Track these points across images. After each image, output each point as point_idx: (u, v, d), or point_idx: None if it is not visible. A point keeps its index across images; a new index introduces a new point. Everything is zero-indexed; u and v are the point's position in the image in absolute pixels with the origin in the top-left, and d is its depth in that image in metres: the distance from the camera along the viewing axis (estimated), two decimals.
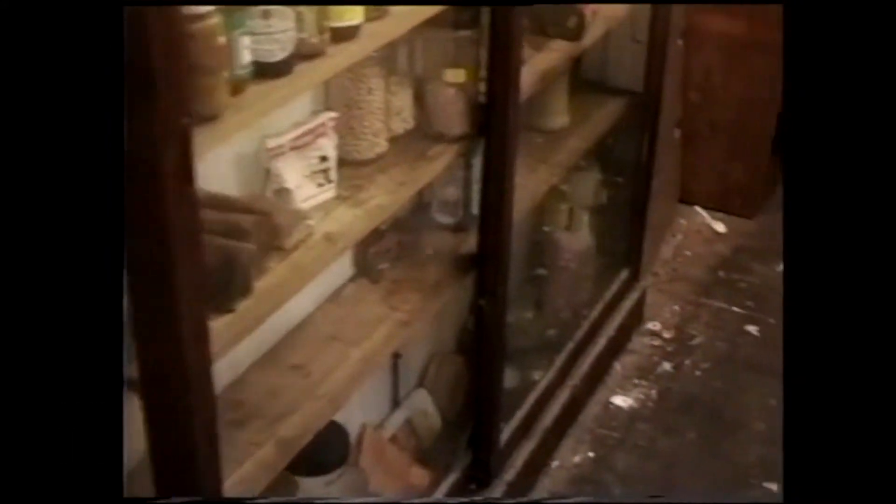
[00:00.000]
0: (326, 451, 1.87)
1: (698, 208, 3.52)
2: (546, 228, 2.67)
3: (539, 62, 2.20)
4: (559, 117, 2.52)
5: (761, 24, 3.22)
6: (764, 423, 2.66)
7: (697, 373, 2.82)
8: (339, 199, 1.71)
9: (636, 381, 2.78)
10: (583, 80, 2.68)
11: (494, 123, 1.94)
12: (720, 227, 3.44)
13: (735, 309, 3.07)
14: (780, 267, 3.25)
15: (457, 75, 1.86)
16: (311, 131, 1.67)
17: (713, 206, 3.51)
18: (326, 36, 1.49)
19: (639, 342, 2.91)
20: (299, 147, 1.65)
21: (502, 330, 2.21)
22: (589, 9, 2.31)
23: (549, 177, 2.44)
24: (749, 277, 3.21)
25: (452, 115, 1.90)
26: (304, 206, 1.65)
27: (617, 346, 2.82)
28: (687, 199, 3.51)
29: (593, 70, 2.72)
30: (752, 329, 2.99)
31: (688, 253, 3.32)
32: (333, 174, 1.70)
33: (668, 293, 3.12)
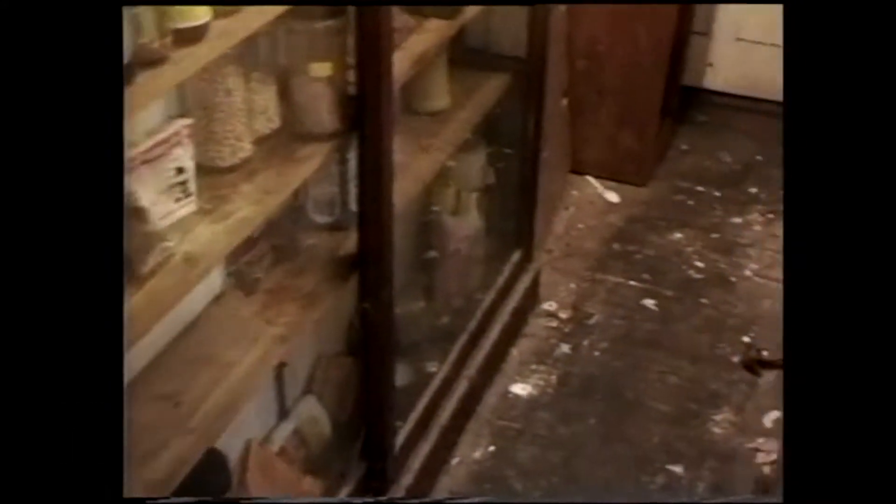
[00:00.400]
0: (204, 481, 1.73)
1: (590, 178, 3.44)
2: (433, 214, 2.54)
3: (414, 45, 2.06)
4: (440, 99, 2.39)
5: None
6: (665, 403, 2.59)
7: (596, 353, 2.74)
8: (201, 213, 1.56)
9: (534, 366, 2.69)
10: (465, 50, 2.55)
11: (368, 116, 1.81)
12: (613, 197, 3.37)
13: (632, 283, 2.99)
14: (677, 235, 3.20)
15: (323, 68, 1.71)
16: (164, 141, 1.51)
17: (605, 175, 3.43)
18: (169, 39, 1.34)
19: (535, 325, 2.82)
20: (152, 160, 1.50)
21: (390, 331, 2.09)
22: None
23: (433, 162, 2.32)
24: (645, 249, 3.14)
25: (322, 110, 1.76)
26: (162, 224, 1.51)
27: (513, 331, 2.73)
28: (578, 168, 3.42)
29: (476, 38, 2.59)
30: (650, 303, 2.92)
31: (581, 226, 3.23)
32: (192, 186, 1.55)
33: (563, 270, 3.03)
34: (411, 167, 2.20)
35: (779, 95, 3.96)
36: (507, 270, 2.71)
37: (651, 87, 3.28)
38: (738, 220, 3.29)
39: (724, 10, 3.83)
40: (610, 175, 3.42)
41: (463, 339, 2.50)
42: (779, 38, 3.93)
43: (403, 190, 2.05)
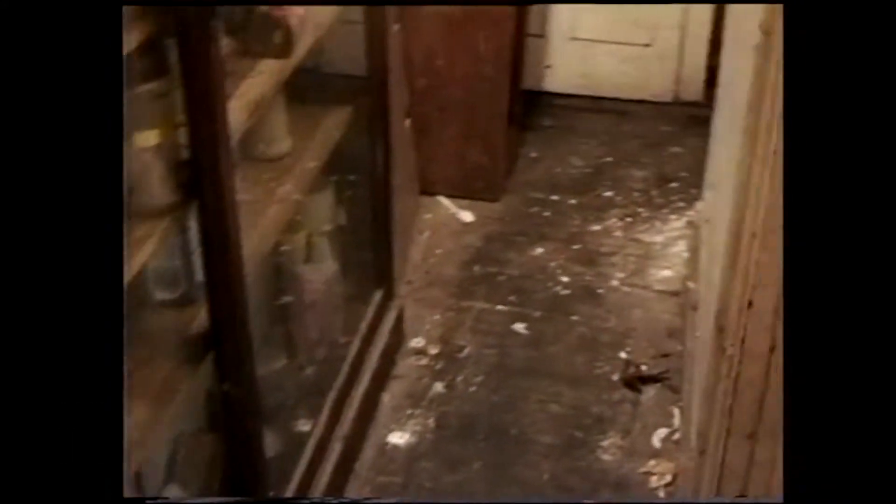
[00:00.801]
0: None
1: (441, 198, 3.30)
2: (286, 264, 2.35)
3: (248, 91, 1.87)
4: (281, 142, 2.20)
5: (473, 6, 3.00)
6: (549, 434, 2.47)
7: (472, 389, 2.60)
8: None
9: (409, 411, 2.53)
10: (302, 72, 2.37)
11: (206, 181, 1.61)
12: (467, 216, 3.23)
13: (499, 307, 2.86)
14: (538, 250, 3.09)
15: (149, 137, 1.51)
16: None
17: (456, 194, 3.29)
18: None
19: (405, 365, 2.66)
20: None
21: (255, 407, 1.90)
22: (295, 16, 2.00)
23: (282, 211, 2.14)
24: (507, 269, 3.01)
25: (153, 183, 1.55)
26: None
27: (383, 376, 2.56)
28: (428, 189, 3.28)
29: (312, 59, 2.41)
30: (520, 327, 2.80)
31: (439, 251, 3.09)
32: None
33: (426, 301, 2.88)
34: (259, 221, 2.01)
35: (618, 92, 3.94)
36: (370, 313, 2.54)
37: (495, 98, 3.16)
38: (597, 227, 3.20)
39: (557, 10, 3.75)
40: (461, 193, 3.29)
41: (332, 393, 2.32)
42: (614, 34, 3.90)
43: (253, 247, 1.86)
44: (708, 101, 3.80)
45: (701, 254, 2.51)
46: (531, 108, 3.77)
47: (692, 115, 3.78)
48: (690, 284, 2.58)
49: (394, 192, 2.51)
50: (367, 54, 2.37)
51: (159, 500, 1.40)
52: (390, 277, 2.61)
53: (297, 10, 2.01)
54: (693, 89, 3.82)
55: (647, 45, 3.76)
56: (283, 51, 1.98)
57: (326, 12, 2.19)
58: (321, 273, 2.39)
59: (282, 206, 2.13)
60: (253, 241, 1.88)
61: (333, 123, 2.37)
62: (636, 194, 3.36)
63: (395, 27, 2.89)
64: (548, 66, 3.85)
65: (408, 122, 3.11)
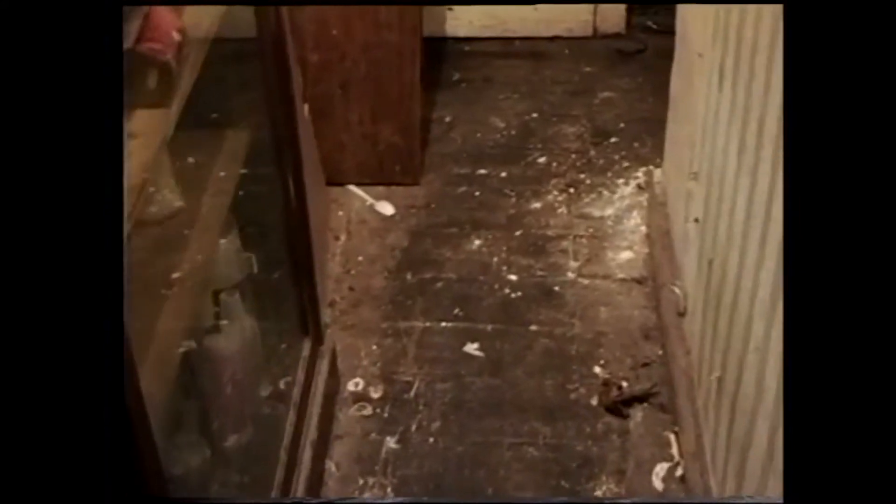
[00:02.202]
0: None
1: (353, 188, 2.81)
2: (194, 341, 1.87)
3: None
4: (169, 199, 1.71)
5: None
6: (531, 487, 2.08)
7: (430, 440, 2.17)
8: None
9: (361, 480, 2.10)
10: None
11: None
12: (386, 208, 2.76)
13: (443, 324, 2.43)
14: (475, 243, 2.65)
15: None
16: None
17: (370, 181, 2.82)
18: None
19: (347, 419, 2.21)
20: None
21: None
22: (171, 47, 1.49)
23: (185, 277, 1.67)
24: (443, 272, 2.57)
25: None
26: None
27: (324, 440, 2.12)
28: (336, 178, 2.79)
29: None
30: (472, 348, 2.37)
31: (360, 258, 2.62)
32: None
33: (358, 328, 2.43)
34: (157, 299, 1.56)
35: (530, 31, 3.48)
36: (300, 369, 2.08)
37: (404, 67, 2.66)
38: (536, 204, 2.76)
39: None
40: (376, 179, 2.81)
41: (275, 480, 1.89)
42: None
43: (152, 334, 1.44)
44: (630, 32, 3.39)
45: (689, 253, 2.11)
46: (435, 59, 3.29)
47: (617, 50, 3.36)
48: (676, 289, 2.19)
49: (311, 232, 2.03)
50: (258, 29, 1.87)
51: (159, 501, 1.34)
52: (316, 320, 2.14)
53: (173, 36, 1.50)
54: (613, 21, 3.38)
55: None
56: (162, 98, 1.47)
57: (208, 22, 1.67)
58: (235, 339, 1.92)
59: (184, 277, 1.66)
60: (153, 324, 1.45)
61: (231, 155, 1.87)
62: (573, 157, 2.93)
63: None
64: (449, 9, 3.36)
65: (305, 108, 2.61)
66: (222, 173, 1.86)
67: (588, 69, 3.28)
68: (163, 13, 1.52)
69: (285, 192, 1.95)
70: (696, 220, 2.02)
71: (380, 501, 2.01)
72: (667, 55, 3.32)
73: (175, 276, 1.72)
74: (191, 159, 1.84)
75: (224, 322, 1.92)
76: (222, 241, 1.90)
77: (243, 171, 1.89)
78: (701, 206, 1.99)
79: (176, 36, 1.50)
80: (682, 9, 2.40)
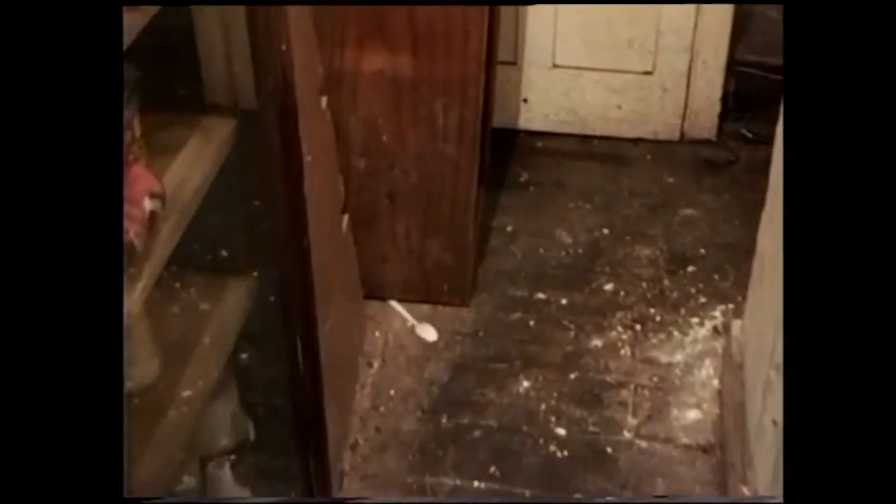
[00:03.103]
0: None
1: (394, 303, 2.54)
2: None
3: None
4: (145, 370, 1.46)
5: (429, 59, 2.22)
6: None
7: None
8: None
9: None
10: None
11: None
12: (429, 333, 2.48)
13: (476, 484, 2.14)
14: (524, 384, 2.35)
15: None
16: None
17: (413, 298, 2.54)
18: None
19: None
20: None
21: None
22: (137, 220, 1.23)
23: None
24: (483, 417, 2.28)
25: None
26: None
27: None
28: (377, 293, 2.52)
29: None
30: None
31: (392, 392, 2.34)
32: None
33: (378, 479, 2.14)
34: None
35: (612, 130, 3.18)
36: None
37: (459, 183, 2.38)
38: (597, 342, 2.46)
39: (533, 31, 2.97)
40: (420, 297, 2.53)
41: None
42: (605, 60, 3.13)
43: None
44: (722, 139, 3.08)
45: (764, 453, 1.79)
46: (504, 154, 3.01)
47: (705, 160, 3.04)
48: (745, 489, 1.86)
49: (324, 400, 1.75)
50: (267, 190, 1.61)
51: (159, 501, 1.33)
52: (326, 484, 1.87)
53: (143, 206, 1.24)
54: (704, 125, 3.06)
55: (646, 73, 2.99)
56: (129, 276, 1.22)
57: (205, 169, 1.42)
58: None
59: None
60: None
61: (231, 306, 1.62)
62: (644, 286, 2.61)
63: (323, 101, 2.12)
64: (524, 100, 3.08)
65: (345, 219, 2.34)
66: (217, 329, 1.60)
67: (671, 180, 2.96)
68: (138, 175, 1.26)
69: (292, 356, 1.68)
70: (774, 423, 1.70)
71: (380, 501, 2.01)
72: (760, 170, 2.99)
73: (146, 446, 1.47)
74: (177, 312, 1.59)
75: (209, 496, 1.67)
76: (216, 402, 1.65)
77: (244, 324, 1.64)
78: (781, 407, 1.67)
79: (148, 204, 1.24)
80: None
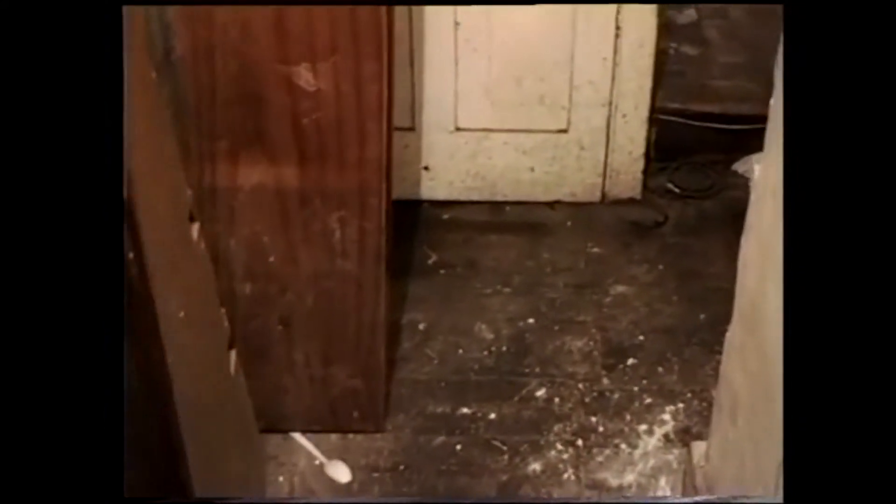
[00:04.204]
0: None
1: (298, 436, 2.18)
2: None
3: None
4: None
5: (318, 168, 1.86)
6: None
7: None
8: None
9: None
10: None
11: None
12: (341, 473, 2.12)
13: None
14: None
15: None
16: None
17: (320, 428, 2.19)
18: None
19: None
20: None
21: None
22: None
23: None
24: None
25: None
26: None
27: None
28: (277, 425, 2.16)
29: None
30: None
31: None
32: None
33: None
34: None
35: (525, 195, 2.84)
36: None
37: (364, 301, 2.03)
38: (535, 465, 2.14)
39: (432, 93, 2.62)
40: (327, 427, 2.18)
41: None
42: (514, 119, 2.80)
43: None
44: (647, 197, 2.79)
45: None
46: (407, 230, 2.67)
47: (631, 223, 2.74)
48: None
49: None
50: None
51: (159, 501, 1.30)
52: None
53: None
54: (627, 183, 2.76)
55: (560, 131, 2.67)
56: None
57: None
58: None
59: None
60: None
61: None
62: (581, 388, 2.30)
63: (195, 229, 1.75)
64: (425, 168, 2.73)
65: (232, 356, 1.98)
66: None
67: (596, 250, 2.66)
68: None
69: None
70: None
71: (381, 501, 2.01)
72: (691, 230, 2.72)
73: None
74: None
75: None
76: None
77: None
78: None
79: None
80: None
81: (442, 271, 2.60)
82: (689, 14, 3.14)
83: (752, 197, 1.60)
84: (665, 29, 2.85)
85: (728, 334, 1.79)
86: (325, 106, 1.81)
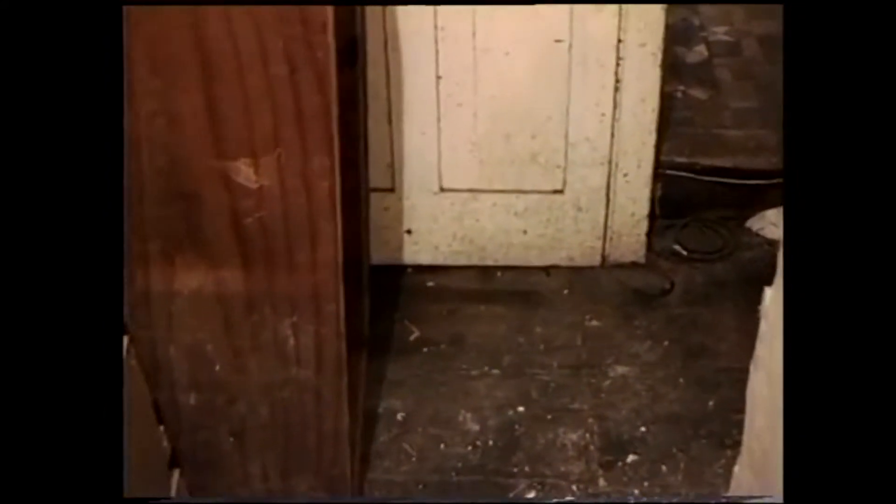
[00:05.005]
0: None
1: None
2: None
3: None
4: None
5: (265, 271, 1.62)
6: None
7: None
8: None
9: None
10: None
11: None
12: None
13: None
14: None
15: None
16: None
17: None
18: None
19: None
20: None
21: None
22: None
23: None
24: None
25: None
26: None
27: None
28: None
29: None
30: None
31: None
32: None
33: None
34: None
35: (517, 259, 2.56)
36: None
37: (323, 410, 1.80)
38: None
39: (414, 150, 2.39)
40: None
41: None
42: (504, 180, 2.56)
43: None
44: (651, 261, 2.55)
45: None
46: (388, 299, 2.44)
47: (634, 291, 2.49)
48: None
49: None
50: None
51: (159, 500, 1.34)
52: None
53: None
54: (630, 246, 2.52)
55: (556, 192, 2.43)
56: None
57: None
58: None
59: None
60: None
61: None
62: (574, 489, 2.06)
63: (125, 343, 1.53)
64: (407, 231, 2.50)
65: (174, 477, 1.76)
66: None
67: (595, 323, 2.41)
68: None
69: None
70: None
71: (381, 501, 1.99)
72: (700, 299, 2.48)
73: None
74: None
75: None
76: None
77: None
78: None
79: None
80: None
81: (425, 349, 2.36)
82: (698, 51, 2.89)
83: (763, 327, 1.36)
84: (672, 69, 2.62)
85: (735, 470, 1.54)
86: (269, 204, 1.57)
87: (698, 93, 2.75)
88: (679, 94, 2.72)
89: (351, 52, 1.95)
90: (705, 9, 3.06)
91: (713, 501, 1.81)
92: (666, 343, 2.36)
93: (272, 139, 1.52)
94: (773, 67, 2.81)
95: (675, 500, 1.97)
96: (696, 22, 3.01)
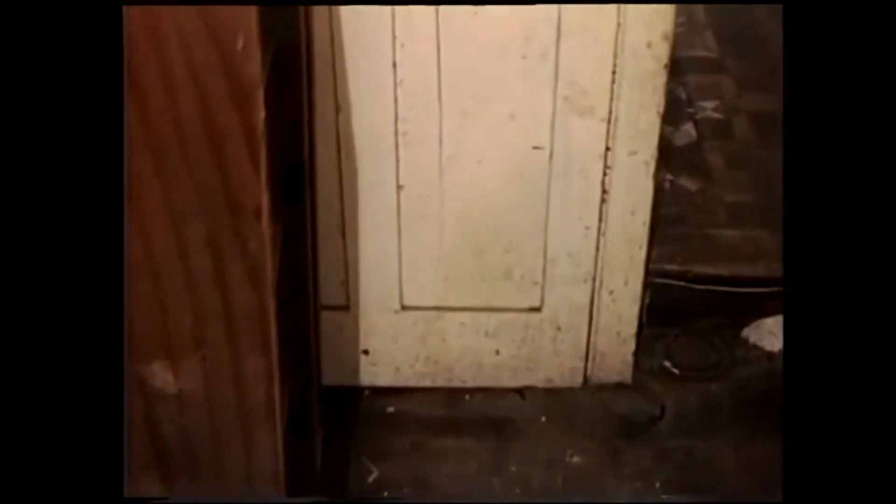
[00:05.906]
0: None
1: None
2: None
3: None
4: None
5: (189, 486, 1.33)
6: None
7: None
8: None
9: None
10: None
11: None
12: None
13: None
14: None
15: None
16: None
17: None
18: None
19: None
20: None
21: None
22: None
23: None
24: None
25: None
26: None
27: None
28: None
29: None
30: None
31: None
32: None
33: None
34: None
35: (488, 380, 2.17)
36: None
37: None
38: None
39: (370, 268, 2.10)
40: None
41: None
42: (467, 298, 2.25)
43: None
44: (639, 381, 2.28)
45: None
46: (343, 428, 2.15)
47: (620, 418, 2.22)
48: None
49: None
50: None
51: (160, 500, 1.26)
52: None
53: None
54: (615, 367, 2.24)
55: (533, 310, 2.15)
56: None
57: None
58: None
59: None
60: None
61: None
62: None
63: None
64: (364, 352, 2.21)
65: None
66: None
67: (577, 459, 2.13)
68: None
69: None
70: None
71: (381, 501, 1.98)
72: (694, 427, 2.21)
73: None
74: None
75: None
76: None
77: None
78: None
79: None
80: None
81: (385, 493, 2.07)
82: (687, 132, 2.62)
83: None
84: (659, 154, 2.34)
85: None
86: (191, 411, 1.28)
87: (688, 183, 2.48)
88: (667, 185, 2.45)
89: (297, 184, 1.65)
90: (692, 79, 2.80)
91: (713, 502, 1.82)
92: (657, 485, 2.09)
93: (193, 340, 1.23)
94: (767, 153, 2.55)
95: (675, 501, 1.94)
96: (683, 95, 2.74)
